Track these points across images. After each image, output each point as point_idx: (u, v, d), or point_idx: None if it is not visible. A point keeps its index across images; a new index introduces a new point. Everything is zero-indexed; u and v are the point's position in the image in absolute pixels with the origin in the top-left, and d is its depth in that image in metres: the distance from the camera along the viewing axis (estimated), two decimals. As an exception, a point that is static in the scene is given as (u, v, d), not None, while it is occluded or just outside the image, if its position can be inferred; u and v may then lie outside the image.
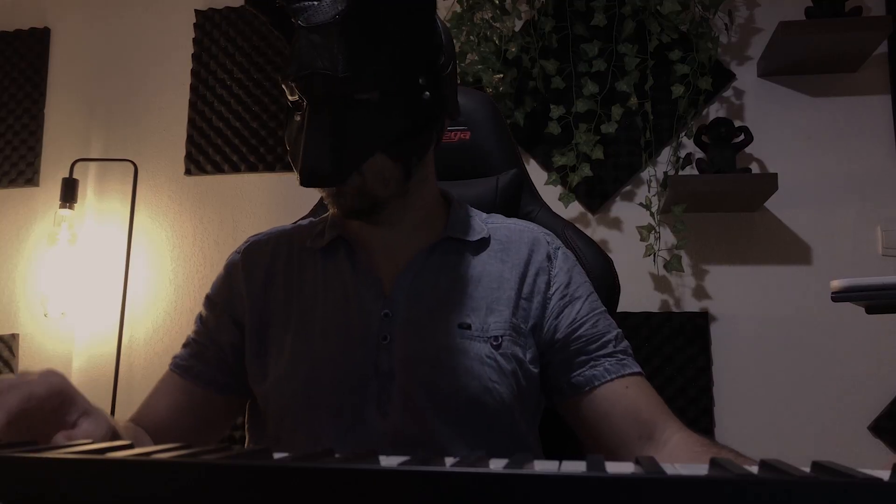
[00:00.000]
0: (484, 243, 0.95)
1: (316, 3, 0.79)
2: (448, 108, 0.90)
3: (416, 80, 0.83)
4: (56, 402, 0.61)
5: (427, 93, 0.84)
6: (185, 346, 0.96)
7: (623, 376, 0.88)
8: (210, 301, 0.97)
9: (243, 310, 0.94)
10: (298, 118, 0.84)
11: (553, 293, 0.92)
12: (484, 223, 0.97)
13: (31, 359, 2.47)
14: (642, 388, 0.89)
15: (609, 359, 0.89)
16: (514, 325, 0.89)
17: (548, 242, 0.96)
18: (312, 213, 1.19)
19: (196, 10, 2.57)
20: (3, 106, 2.62)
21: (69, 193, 2.32)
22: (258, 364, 0.91)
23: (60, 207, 2.32)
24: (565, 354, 0.90)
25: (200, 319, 0.97)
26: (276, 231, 1.01)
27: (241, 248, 0.99)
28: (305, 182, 0.79)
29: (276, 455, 0.40)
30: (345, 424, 0.84)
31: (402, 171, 0.86)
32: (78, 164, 2.38)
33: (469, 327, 0.87)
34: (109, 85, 2.60)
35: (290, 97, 0.84)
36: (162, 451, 0.40)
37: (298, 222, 1.04)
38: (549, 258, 0.94)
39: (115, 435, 0.67)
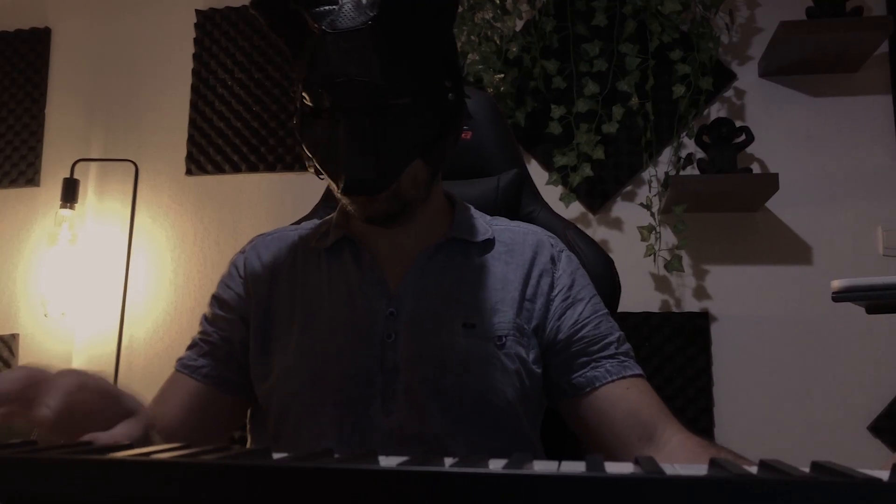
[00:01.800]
0: (488, 244, 0.95)
1: (335, 7, 0.79)
2: (467, 109, 0.91)
3: (442, 82, 0.85)
4: (103, 403, 0.59)
5: (451, 94, 0.85)
6: (190, 347, 0.96)
7: (624, 378, 0.88)
8: (218, 300, 0.97)
9: (249, 308, 0.94)
10: (324, 125, 0.82)
11: (556, 295, 0.93)
12: (488, 225, 0.98)
13: (31, 359, 2.47)
14: (643, 390, 0.89)
15: (610, 360, 0.89)
16: (518, 325, 0.90)
17: (552, 245, 0.97)
18: (313, 213, 1.20)
19: (196, 10, 2.57)
20: (4, 106, 2.62)
21: (70, 193, 2.32)
22: (262, 361, 0.91)
23: (61, 207, 2.32)
24: (567, 355, 0.90)
25: (207, 319, 0.97)
26: (280, 231, 1.02)
27: (245, 248, 0.99)
28: (351, 191, 0.79)
29: (276, 455, 0.40)
30: (348, 421, 0.85)
31: (430, 173, 0.87)
32: (78, 165, 2.38)
33: (473, 327, 0.88)
34: (110, 85, 2.60)
35: (311, 103, 0.82)
36: (162, 451, 0.40)
37: (302, 223, 1.04)
38: (552, 260, 0.95)
39: (146, 442, 0.66)
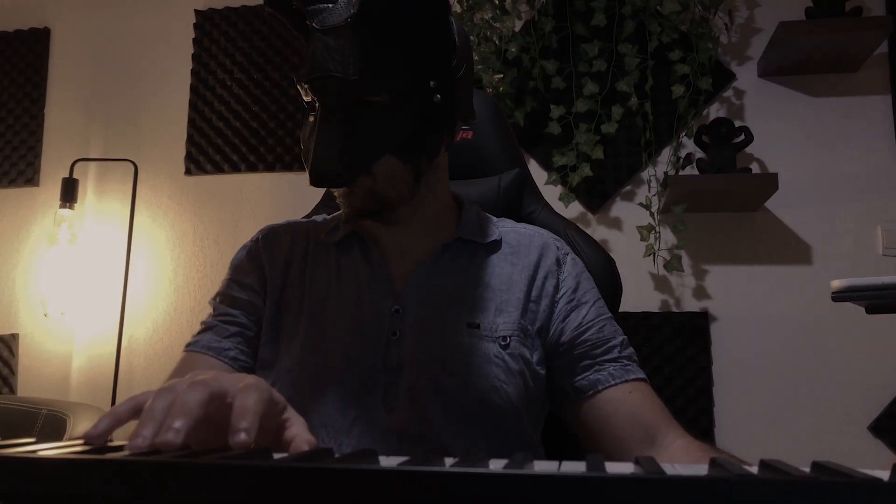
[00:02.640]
0: (495, 246, 0.96)
1: (331, 5, 0.81)
2: (461, 111, 0.90)
3: (426, 82, 0.84)
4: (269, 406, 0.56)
5: (438, 95, 0.85)
6: (207, 329, 0.92)
7: (627, 381, 0.88)
8: (239, 283, 0.95)
9: (265, 293, 0.94)
10: (311, 119, 0.85)
11: (560, 297, 0.93)
12: (495, 226, 0.98)
13: (30, 359, 2.47)
14: (645, 394, 0.89)
15: (613, 364, 0.89)
16: (522, 326, 0.90)
17: (557, 248, 0.97)
18: (313, 213, 1.19)
19: (196, 11, 2.57)
20: (3, 106, 2.62)
21: (69, 193, 2.32)
22: (269, 350, 0.91)
23: (60, 207, 2.32)
24: (570, 358, 0.90)
25: (226, 303, 0.94)
26: (291, 223, 1.02)
27: (258, 237, 0.99)
28: (315, 182, 0.81)
29: (276, 455, 0.40)
30: (350, 416, 0.85)
31: (411, 172, 0.87)
32: (78, 164, 2.38)
33: (478, 327, 0.88)
34: (109, 85, 2.60)
35: (304, 98, 0.85)
36: (162, 452, 0.40)
37: (311, 217, 1.05)
38: (558, 263, 0.95)
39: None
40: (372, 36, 0.80)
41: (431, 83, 0.85)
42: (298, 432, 0.57)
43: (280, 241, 0.98)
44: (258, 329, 0.93)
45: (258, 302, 0.94)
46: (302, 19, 0.85)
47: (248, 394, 0.52)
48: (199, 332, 0.93)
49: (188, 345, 0.91)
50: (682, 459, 0.80)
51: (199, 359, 0.89)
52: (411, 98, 0.83)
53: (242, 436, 0.49)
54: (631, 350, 0.92)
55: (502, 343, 0.88)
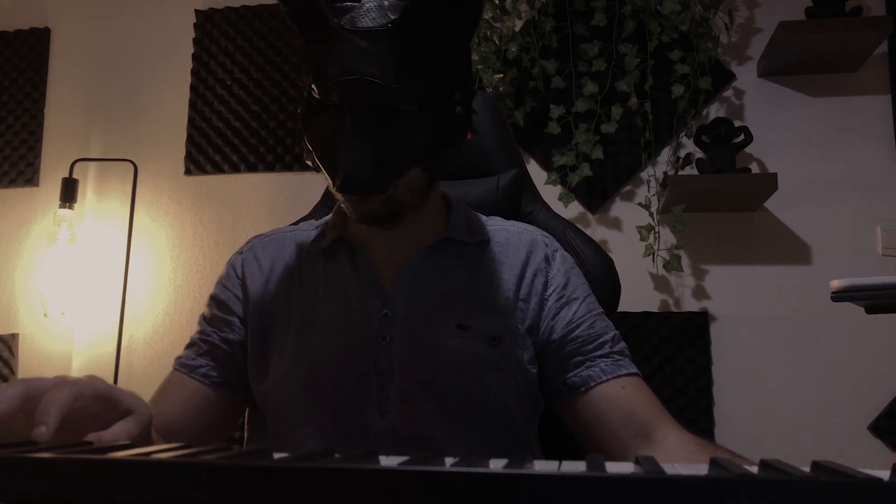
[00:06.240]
0: (483, 245, 0.95)
1: (358, 4, 0.79)
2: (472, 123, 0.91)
3: (453, 94, 0.85)
4: (101, 405, 0.61)
5: (459, 107, 0.85)
6: (189, 346, 0.96)
7: (619, 377, 0.88)
8: (216, 301, 0.97)
9: (247, 309, 0.94)
10: (329, 119, 0.82)
11: (550, 294, 0.93)
12: (483, 225, 0.98)
13: (30, 359, 2.47)
14: (638, 389, 0.89)
15: (605, 359, 0.89)
16: (513, 325, 0.90)
17: (546, 244, 0.97)
18: (312, 213, 1.20)
19: (196, 10, 2.57)
20: (3, 106, 2.62)
21: (69, 193, 2.32)
22: (260, 363, 0.92)
23: (60, 207, 2.32)
24: (561, 355, 0.90)
25: (205, 319, 0.97)
26: (277, 232, 1.02)
27: (243, 249, 1.00)
28: (346, 189, 0.79)
29: (276, 455, 0.40)
30: (344, 423, 0.85)
31: (427, 181, 0.87)
32: (78, 164, 2.38)
33: (468, 328, 0.88)
34: (109, 85, 2.60)
35: (319, 96, 0.82)
36: (162, 451, 0.40)
37: (300, 224, 1.05)
38: (546, 260, 0.95)
39: (146, 438, 0.67)
40: (410, 44, 0.79)
41: (456, 95, 0.85)
42: (118, 430, 0.60)
43: (263, 254, 0.98)
44: (231, 346, 0.94)
45: (232, 320, 0.95)
46: (310, 12, 0.81)
47: (60, 389, 0.56)
48: (185, 348, 0.96)
49: (175, 359, 0.96)
50: (678, 454, 0.80)
51: (173, 375, 0.94)
52: (439, 108, 0.83)
53: (42, 428, 0.53)
54: (623, 345, 0.92)
55: (492, 343, 0.88)
